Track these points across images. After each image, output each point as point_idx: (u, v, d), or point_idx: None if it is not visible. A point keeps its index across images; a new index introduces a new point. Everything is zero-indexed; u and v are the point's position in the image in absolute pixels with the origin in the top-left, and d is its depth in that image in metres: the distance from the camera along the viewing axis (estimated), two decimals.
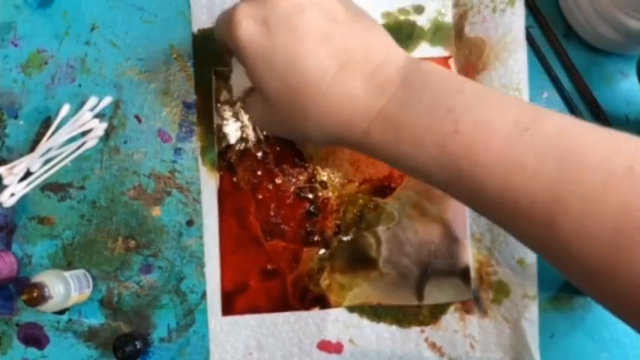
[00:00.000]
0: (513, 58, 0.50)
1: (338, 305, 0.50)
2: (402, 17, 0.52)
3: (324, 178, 0.50)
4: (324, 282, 0.50)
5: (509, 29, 0.50)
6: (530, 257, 0.49)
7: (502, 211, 0.31)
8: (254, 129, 0.51)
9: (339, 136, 0.35)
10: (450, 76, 0.34)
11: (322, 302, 0.50)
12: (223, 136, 0.51)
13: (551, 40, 0.51)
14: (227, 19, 0.36)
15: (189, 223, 0.50)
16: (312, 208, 0.50)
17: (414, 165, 0.33)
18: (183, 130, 0.51)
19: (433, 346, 0.50)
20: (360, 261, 0.50)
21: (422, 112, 0.32)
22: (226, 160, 0.51)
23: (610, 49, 0.50)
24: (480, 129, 0.30)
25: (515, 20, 0.50)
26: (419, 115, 0.32)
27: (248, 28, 0.34)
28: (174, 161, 0.51)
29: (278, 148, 0.51)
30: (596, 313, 0.50)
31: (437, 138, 0.31)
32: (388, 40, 0.36)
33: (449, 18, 0.52)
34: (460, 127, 0.31)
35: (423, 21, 0.52)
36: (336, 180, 0.51)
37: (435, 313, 0.50)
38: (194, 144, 0.51)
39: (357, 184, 0.50)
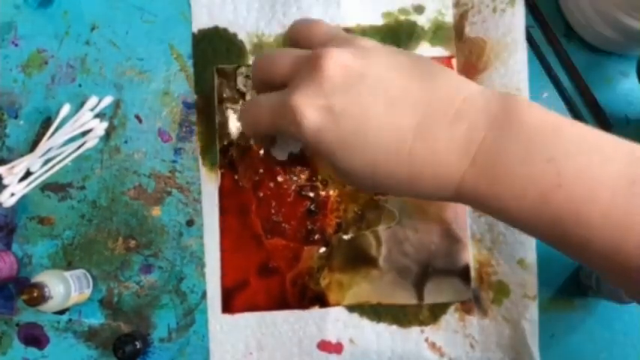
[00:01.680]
0: (514, 58, 0.50)
1: (337, 304, 0.50)
2: (402, 17, 0.52)
3: (325, 176, 0.50)
4: (323, 280, 0.50)
5: (509, 29, 0.50)
6: (530, 257, 0.49)
7: (613, 269, 0.29)
8: None
9: (431, 194, 0.32)
10: (542, 113, 0.30)
11: (321, 301, 0.50)
12: (225, 134, 0.51)
13: (552, 40, 0.52)
14: (280, 112, 0.33)
15: (190, 223, 0.50)
16: (312, 207, 0.50)
17: (515, 217, 0.30)
18: (183, 130, 0.51)
19: (433, 346, 0.49)
20: (359, 260, 0.50)
21: (517, 162, 0.29)
22: (227, 157, 0.51)
23: (610, 49, 0.50)
24: (583, 182, 0.28)
25: (516, 20, 0.50)
26: (514, 165, 0.29)
27: (314, 120, 0.31)
28: (174, 161, 0.51)
29: None
30: (596, 313, 0.50)
31: (539, 191, 0.28)
32: (459, 77, 0.33)
33: (449, 18, 0.52)
34: (563, 179, 0.28)
35: (423, 21, 0.52)
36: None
37: (435, 313, 0.50)
38: (194, 144, 0.51)
39: None
